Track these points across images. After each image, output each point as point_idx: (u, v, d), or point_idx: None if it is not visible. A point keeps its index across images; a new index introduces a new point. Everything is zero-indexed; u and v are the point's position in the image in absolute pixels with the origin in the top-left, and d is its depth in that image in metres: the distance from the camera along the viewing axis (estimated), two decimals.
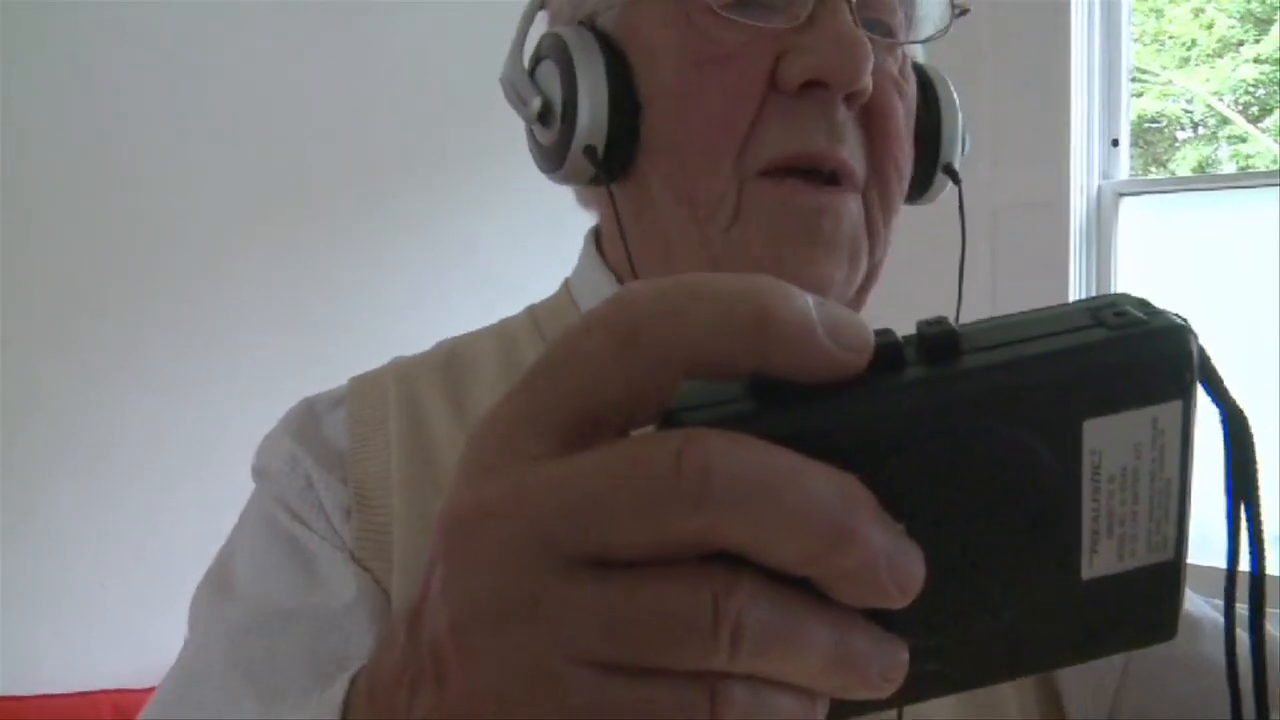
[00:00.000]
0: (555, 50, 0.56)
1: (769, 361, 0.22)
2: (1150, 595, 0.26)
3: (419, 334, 0.75)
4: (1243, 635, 0.29)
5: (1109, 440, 0.23)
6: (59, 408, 2.11)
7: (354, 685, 0.30)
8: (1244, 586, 0.27)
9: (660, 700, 0.21)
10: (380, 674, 0.27)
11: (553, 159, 0.57)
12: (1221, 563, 0.27)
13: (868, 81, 0.51)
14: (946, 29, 0.58)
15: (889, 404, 0.22)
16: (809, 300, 0.22)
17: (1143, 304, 0.24)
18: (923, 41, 0.59)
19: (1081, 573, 0.24)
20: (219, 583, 0.55)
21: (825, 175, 0.52)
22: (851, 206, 0.53)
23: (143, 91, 2.19)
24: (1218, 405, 0.25)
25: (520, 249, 2.50)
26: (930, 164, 0.60)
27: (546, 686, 0.22)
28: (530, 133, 0.60)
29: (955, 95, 0.61)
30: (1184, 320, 0.24)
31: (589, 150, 0.55)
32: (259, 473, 0.59)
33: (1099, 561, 0.24)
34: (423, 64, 2.49)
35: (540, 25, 0.61)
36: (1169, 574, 0.25)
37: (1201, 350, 0.24)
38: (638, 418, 0.23)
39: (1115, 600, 0.25)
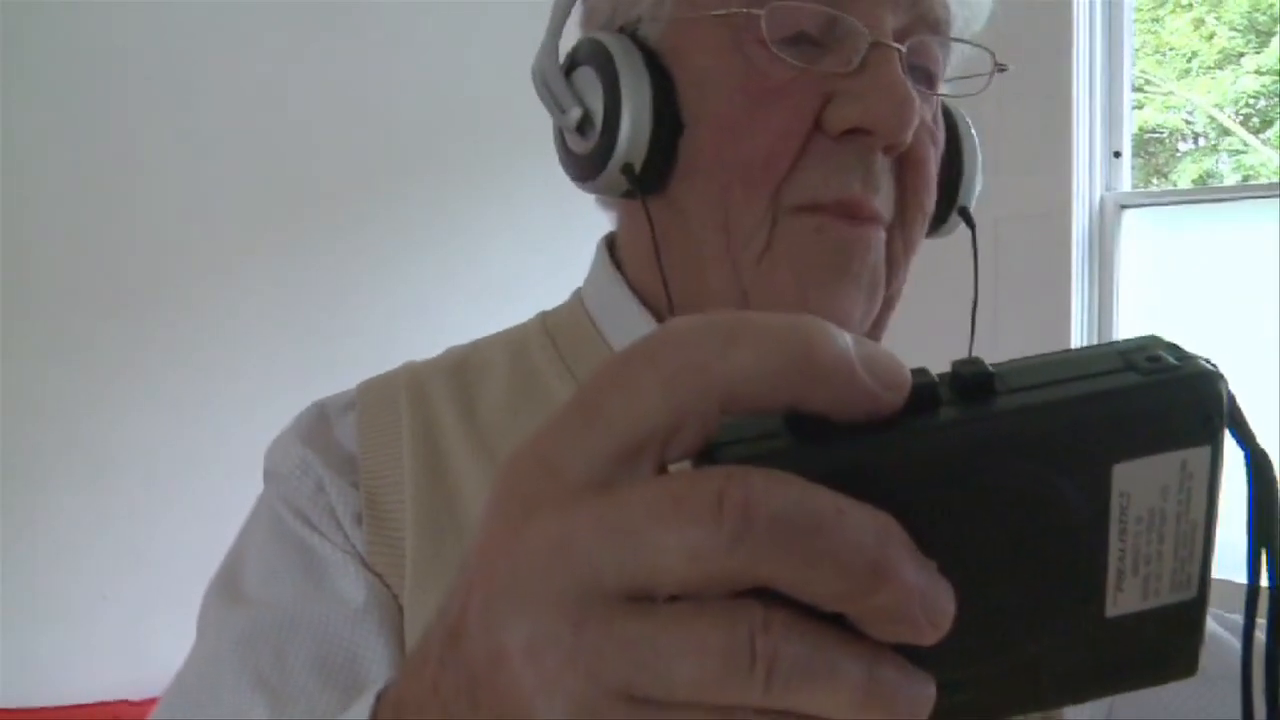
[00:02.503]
0: (597, 58, 0.55)
1: (810, 398, 0.22)
2: (1172, 633, 0.26)
3: (423, 342, 0.75)
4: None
5: (1138, 483, 0.24)
6: (60, 417, 2.11)
7: (380, 701, 0.30)
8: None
9: None
10: (412, 691, 0.28)
11: (586, 170, 0.57)
12: (1232, 576, 0.28)
13: (910, 135, 0.52)
14: (987, 83, 0.60)
15: (925, 444, 0.23)
16: (849, 339, 0.23)
17: (1174, 348, 0.25)
18: (960, 95, 0.59)
19: (1106, 610, 0.25)
20: (228, 587, 0.55)
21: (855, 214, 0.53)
22: (877, 241, 0.54)
23: (146, 98, 2.19)
24: (1243, 448, 0.26)
25: (525, 256, 2.51)
26: (947, 205, 0.61)
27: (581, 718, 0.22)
28: (560, 137, 0.59)
29: (976, 138, 0.62)
30: (1214, 365, 0.24)
31: (627, 168, 0.54)
32: (269, 474, 0.59)
33: (1123, 599, 0.25)
34: (429, 72, 2.49)
35: (574, 16, 0.60)
36: (1191, 612, 0.26)
37: (1231, 395, 0.24)
38: (676, 450, 0.23)
39: (1138, 637, 0.26)
